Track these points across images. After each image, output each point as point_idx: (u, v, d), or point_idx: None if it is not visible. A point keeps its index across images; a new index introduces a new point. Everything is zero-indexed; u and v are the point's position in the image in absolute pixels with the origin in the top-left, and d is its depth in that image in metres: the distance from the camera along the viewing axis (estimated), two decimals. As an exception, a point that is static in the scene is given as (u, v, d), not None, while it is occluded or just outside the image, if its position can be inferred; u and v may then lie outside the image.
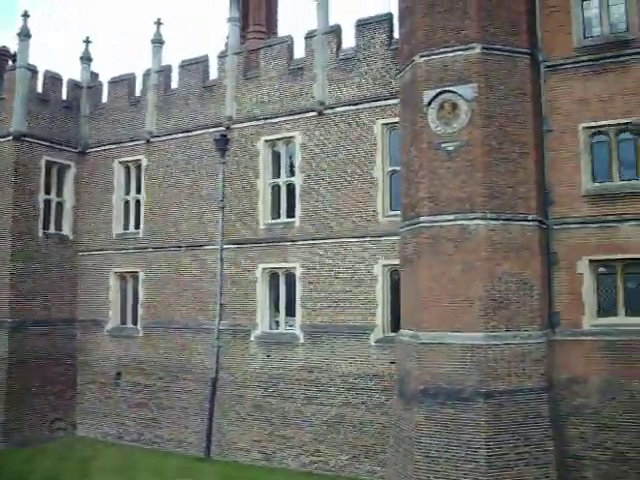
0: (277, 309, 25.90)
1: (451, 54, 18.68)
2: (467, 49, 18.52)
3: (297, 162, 25.31)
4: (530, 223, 18.48)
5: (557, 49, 19.66)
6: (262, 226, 25.91)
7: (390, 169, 23.18)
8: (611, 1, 19.54)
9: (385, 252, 22.81)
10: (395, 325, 21.92)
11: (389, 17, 23.67)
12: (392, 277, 22.86)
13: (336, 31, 24.97)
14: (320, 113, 24.69)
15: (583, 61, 19.34)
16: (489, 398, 17.46)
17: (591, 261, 18.93)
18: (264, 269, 25.74)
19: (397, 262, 21.28)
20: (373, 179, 23.38)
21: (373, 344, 22.86)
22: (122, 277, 30.25)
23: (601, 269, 19.12)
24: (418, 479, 17.56)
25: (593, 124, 19.13)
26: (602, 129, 19.11)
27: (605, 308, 18.95)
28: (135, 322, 29.50)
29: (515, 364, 17.81)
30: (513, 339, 17.88)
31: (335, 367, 23.55)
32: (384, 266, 22.90)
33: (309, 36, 25.42)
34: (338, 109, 24.38)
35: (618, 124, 18.85)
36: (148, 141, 29.56)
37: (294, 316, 24.97)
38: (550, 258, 19.19)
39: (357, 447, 22.79)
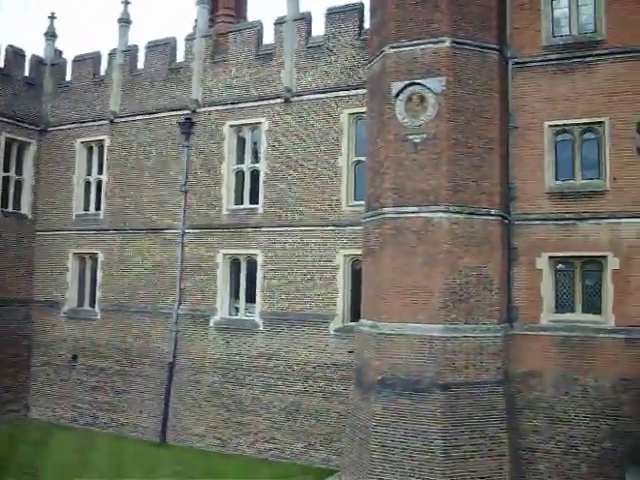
0: (237, 295, 25.81)
1: (421, 47, 18.72)
2: (437, 42, 18.58)
3: (262, 148, 25.19)
4: (493, 218, 18.65)
5: (526, 46, 19.83)
6: (225, 212, 25.75)
7: (355, 159, 23.21)
8: (580, 1, 19.76)
9: (347, 242, 22.86)
10: (355, 315, 22.00)
11: (360, 7, 23.63)
12: (353, 267, 22.93)
13: (306, 18, 24.86)
14: (287, 100, 24.58)
15: (551, 60, 19.53)
16: (446, 390, 17.62)
17: (551, 257, 19.19)
18: (225, 255, 25.62)
19: (359, 252, 21.33)
20: (338, 168, 23.38)
21: (332, 333, 22.91)
22: (81, 258, 29.87)
23: (560, 266, 19.39)
24: (373, 468, 17.67)
25: (558, 123, 19.36)
26: (567, 128, 19.34)
27: (563, 304, 19.23)
28: (93, 304, 29.18)
29: (473, 357, 17.99)
30: (472, 332, 18.05)
31: (294, 355, 23.57)
32: (346, 256, 22.96)
33: (279, 22, 25.27)
34: (305, 97, 24.30)
35: (583, 124, 19.11)
36: (112, 121, 29.18)
37: (254, 303, 24.92)
38: (511, 253, 19.40)
39: (313, 435, 22.87)
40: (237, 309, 25.82)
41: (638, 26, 18.75)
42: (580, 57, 19.30)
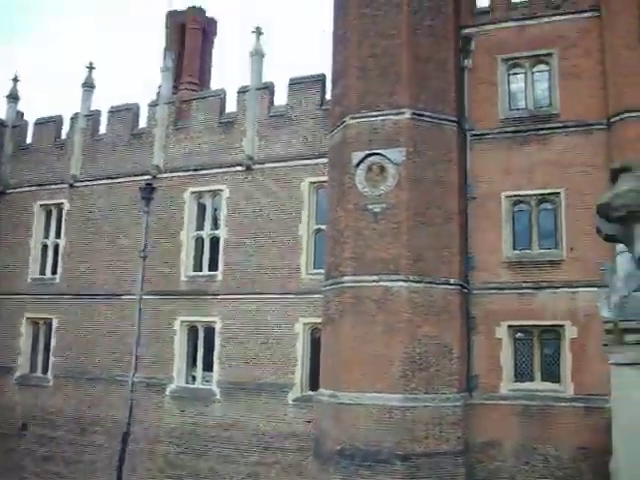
0: (194, 364, 25.36)
1: (382, 118, 19.08)
2: (398, 114, 18.96)
3: (223, 215, 25.15)
4: (452, 287, 18.78)
5: (483, 119, 20.34)
6: (184, 278, 25.49)
7: (315, 227, 23.27)
8: (536, 77, 20.43)
9: (307, 310, 22.71)
10: (314, 384, 21.71)
11: (322, 78, 24.04)
12: (313, 335, 22.74)
13: (269, 88, 25.20)
14: (249, 168, 24.69)
15: (508, 132, 20.05)
16: (406, 460, 17.40)
17: (509, 326, 19.31)
18: (183, 322, 25.24)
19: (319, 320, 21.20)
20: (298, 236, 23.39)
21: (291, 402, 22.55)
22: (35, 323, 29.18)
23: (519, 334, 19.51)
24: (332, 543, 17.24)
25: (515, 193, 19.75)
26: (524, 198, 19.72)
27: (522, 373, 19.28)
28: (45, 371, 28.38)
29: (433, 427, 17.84)
30: (431, 401, 17.95)
31: (251, 425, 23.09)
32: (305, 324, 22.78)
33: (242, 91, 25.56)
34: (267, 165, 24.44)
35: (539, 194, 19.50)
36: (72, 185, 28.94)
37: (212, 371, 24.48)
38: (470, 322, 19.48)
39: (270, 508, 22.27)
40: (194, 377, 25.33)
41: (589, 100, 19.42)
42: (535, 130, 19.88)
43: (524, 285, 19.23)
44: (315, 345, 22.08)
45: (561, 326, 18.84)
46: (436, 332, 18.36)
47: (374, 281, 18.32)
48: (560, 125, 19.68)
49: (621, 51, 18.86)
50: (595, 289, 18.35)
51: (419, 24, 19.82)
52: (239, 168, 24.92)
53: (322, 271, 21.12)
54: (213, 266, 25.13)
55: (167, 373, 25.15)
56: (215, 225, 25.72)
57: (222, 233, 25.02)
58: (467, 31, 21.05)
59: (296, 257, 23.31)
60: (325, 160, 22.04)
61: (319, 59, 39.60)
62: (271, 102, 25.09)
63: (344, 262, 18.84)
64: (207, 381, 24.72)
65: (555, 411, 18.36)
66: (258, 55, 25.70)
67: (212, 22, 32.69)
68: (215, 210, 25.88)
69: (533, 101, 20.38)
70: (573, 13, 20.40)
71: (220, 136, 25.72)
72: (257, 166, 24.59)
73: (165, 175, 26.62)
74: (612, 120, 18.83)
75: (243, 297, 24.00)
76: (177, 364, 25.11)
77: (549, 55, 20.35)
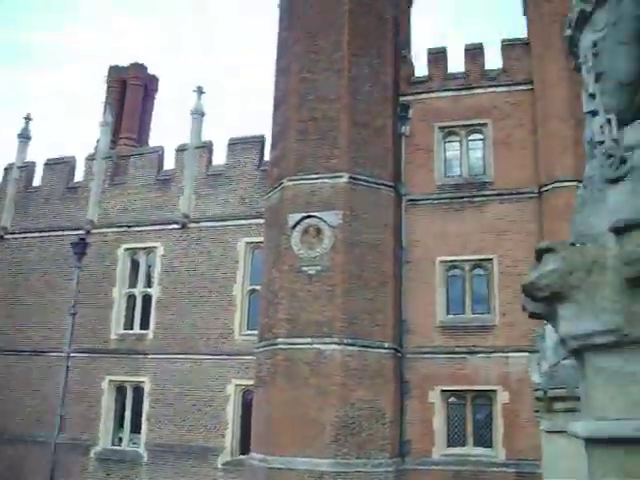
0: (122, 424, 24.56)
1: (319, 181, 19.21)
2: (335, 177, 19.13)
3: (156, 273, 24.76)
4: (386, 351, 18.73)
5: (420, 185, 20.67)
6: (113, 336, 24.86)
7: (250, 288, 23.08)
8: (471, 145, 20.94)
9: (239, 371, 22.35)
10: (245, 448, 21.22)
11: (261, 139, 24.19)
12: (244, 398, 22.35)
13: (208, 147, 25.22)
14: (184, 226, 24.47)
15: (443, 198, 20.38)
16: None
17: (442, 391, 19.30)
18: (111, 381, 24.53)
19: (251, 383, 20.84)
20: (232, 297, 23.14)
21: (220, 467, 21.98)
22: (-45, 381, 27.96)
23: (452, 399, 19.50)
24: None
25: (450, 258, 19.99)
26: (458, 264, 19.96)
27: (454, 438, 19.21)
28: (-39, 432, 27.09)
29: (364, 493, 17.56)
30: (363, 467, 17.70)
31: (179, 490, 22.38)
32: (237, 385, 22.39)
33: (181, 149, 25.50)
34: (203, 224, 24.27)
35: (473, 260, 19.76)
36: (1, 237, 28.18)
37: (139, 433, 23.74)
38: (403, 386, 19.40)
39: None
40: (121, 439, 24.51)
41: (522, 170, 19.94)
42: (470, 197, 20.25)
43: (457, 350, 19.31)
44: (247, 408, 21.67)
45: (493, 391, 18.91)
46: (369, 396, 18.21)
47: (308, 344, 18.16)
48: (494, 193, 20.11)
49: (553, 123, 19.48)
50: (526, 354, 18.56)
51: (359, 90, 20.19)
52: (175, 226, 24.68)
53: (256, 332, 20.86)
54: (144, 324, 24.62)
55: (93, 434, 24.28)
56: (148, 283, 25.28)
57: (155, 291, 24.59)
58: (405, 99, 21.52)
59: (230, 317, 23.02)
60: (262, 221, 22.01)
61: (260, 120, 39.75)
62: (209, 161, 25.08)
63: (278, 324, 18.66)
64: (134, 443, 23.95)
65: (487, 476, 18.29)
66: (198, 114, 25.78)
67: (154, 79, 32.72)
68: (149, 267, 25.46)
69: (468, 169, 20.84)
70: (508, 85, 21.11)
71: (157, 193, 25.50)
72: (193, 224, 24.41)
73: (99, 230, 26.18)
74: (543, 189, 19.32)
75: (174, 357, 23.50)
76: (103, 425, 24.30)
77: (484, 125, 20.93)
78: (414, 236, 20.32)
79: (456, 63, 22.01)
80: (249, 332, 22.39)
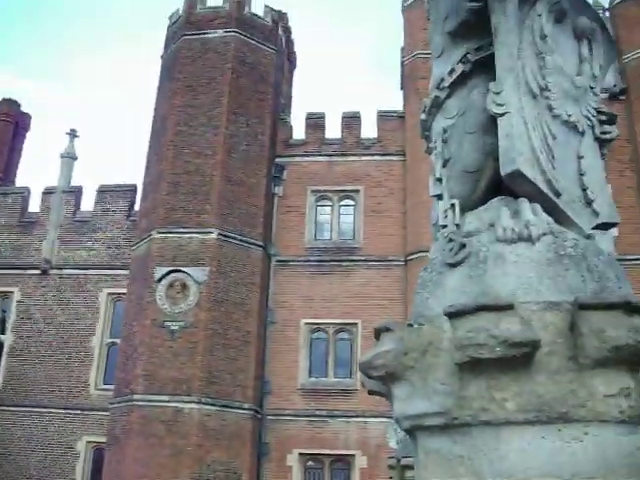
0: (-42, 481, 22.87)
1: (188, 235, 19.00)
2: (204, 233, 18.98)
3: (11, 319, 23.47)
4: (245, 412, 18.46)
5: (289, 246, 20.80)
6: (-42, 385, 23.26)
7: (109, 341, 22.26)
8: (342, 210, 21.33)
9: (92, 428, 21.32)
10: (93, 509, 20.21)
11: (133, 188, 23.72)
12: (96, 455, 21.27)
13: (76, 192, 24.46)
14: (45, 272, 23.42)
15: (311, 261, 20.57)
16: None
17: (301, 454, 19.13)
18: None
19: (104, 440, 19.93)
20: (90, 349, 22.22)
21: (66, 529, 20.77)
22: None
23: (310, 463, 19.34)
24: None
25: (314, 321, 20.08)
26: (322, 327, 20.07)
27: (312, 502, 19.02)
28: None
29: None
30: (217, 530, 17.17)
31: None
32: (88, 443, 21.32)
33: (48, 192, 24.60)
34: (65, 271, 23.31)
35: (338, 324, 19.94)
36: None
37: (-24, 491, 22.14)
38: (262, 448, 19.12)
39: None
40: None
41: (390, 237, 20.46)
42: (339, 261, 20.55)
43: (317, 413, 19.27)
44: (97, 466, 20.64)
45: (352, 455, 18.90)
46: (226, 457, 17.82)
47: (165, 401, 17.65)
48: (362, 259, 20.50)
49: (421, 194, 20.09)
50: (385, 420, 18.77)
51: (234, 148, 20.28)
52: (35, 271, 23.58)
53: (112, 387, 20.07)
54: (-7, 373, 23.18)
55: None
56: (2, 329, 23.93)
57: (7, 338, 23.28)
58: (281, 160, 21.78)
59: (86, 371, 22.06)
60: (127, 272, 21.40)
61: (134, 169, 39.18)
62: (77, 206, 24.28)
63: (135, 379, 18.06)
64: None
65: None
66: (69, 157, 25.08)
67: (26, 117, 31.61)
68: (4, 312, 24.13)
69: (338, 233, 21.19)
70: (381, 155, 21.78)
71: (19, 236, 24.38)
72: (54, 271, 23.41)
73: (-49, 273, 24.65)
74: (410, 258, 19.82)
75: (24, 409, 22.17)
76: None
77: (356, 191, 21.42)
78: (281, 297, 20.33)
79: (334, 129, 22.59)
80: (105, 387, 21.48)
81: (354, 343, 19.86)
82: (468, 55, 3.59)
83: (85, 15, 73.10)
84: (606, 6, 22.84)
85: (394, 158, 21.66)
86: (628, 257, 19.19)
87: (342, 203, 21.58)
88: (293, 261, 20.69)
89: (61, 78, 70.79)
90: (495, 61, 3.38)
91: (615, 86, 21.04)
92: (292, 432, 19.26)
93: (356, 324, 19.91)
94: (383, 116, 22.39)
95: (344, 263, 20.62)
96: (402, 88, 23.52)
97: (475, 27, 3.57)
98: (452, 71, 3.65)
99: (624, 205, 19.69)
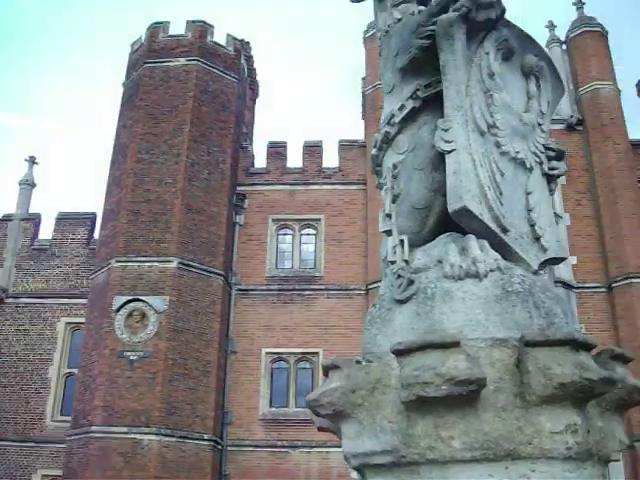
0: None
1: (148, 264, 18.82)
2: (164, 262, 18.82)
3: (-35, 349, 22.98)
4: (206, 443, 18.19)
5: (250, 275, 20.71)
6: None
7: (67, 371, 21.85)
8: (303, 239, 21.35)
9: (48, 461, 20.80)
10: None
11: (92, 217, 23.45)
12: (52, 489, 20.83)
13: (35, 219, 24.10)
14: (1, 301, 22.97)
15: (272, 290, 20.50)
16: None
17: (262, 485, 18.88)
18: None
19: (60, 473, 19.47)
20: (47, 379, 21.76)
21: None
22: None
23: (271, 494, 19.09)
24: None
25: (275, 350, 19.98)
26: (284, 356, 19.96)
27: (271, 536, 18.74)
28: None
29: None
30: None
31: None
32: (44, 476, 20.79)
33: (5, 219, 24.19)
34: (22, 300, 22.87)
35: (299, 353, 19.86)
36: None
37: None
38: (223, 480, 18.85)
39: None
40: None
41: (351, 266, 20.50)
42: (300, 290, 20.51)
43: (279, 443, 19.09)
44: (53, 501, 20.19)
45: (313, 486, 18.74)
46: (186, 490, 17.50)
47: (124, 433, 17.31)
48: (323, 287, 20.49)
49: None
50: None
51: (195, 176, 20.22)
52: (-9, 300, 23.16)
53: (69, 418, 19.66)
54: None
55: None
56: (-44, 359, 23.38)
57: (-39, 369, 22.75)
58: (242, 189, 21.77)
59: (42, 402, 21.59)
60: (85, 301, 21.09)
61: (95, 196, 38.83)
62: (35, 234, 23.91)
63: (93, 410, 17.73)
64: None
65: None
66: (28, 185, 24.75)
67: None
68: (-42, 342, 23.61)
69: (299, 262, 21.17)
70: (342, 184, 21.88)
71: (-26, 264, 23.94)
72: (11, 300, 22.95)
73: None
74: (371, 287, 19.84)
75: (-24, 442, 21.64)
76: None
77: (317, 220, 21.45)
78: (241, 326, 20.19)
79: (295, 157, 22.66)
80: (62, 418, 21.03)
81: (315, 372, 19.75)
82: (418, 92, 3.64)
83: (45, 39, 72.66)
84: (562, 39, 23.39)
85: (355, 187, 21.77)
86: (587, 285, 19.50)
87: (303, 232, 21.60)
88: (254, 290, 20.60)
89: (19, 104, 69.97)
90: (443, 98, 3.43)
91: (572, 117, 21.49)
92: (253, 463, 19.02)
93: (317, 353, 19.83)
94: (344, 145, 22.55)
95: (305, 292, 20.58)
96: (363, 118, 23.72)
97: (425, 64, 3.62)
98: (402, 107, 3.69)
99: (582, 234, 20.06)
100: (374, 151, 3.92)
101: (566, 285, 18.91)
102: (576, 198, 20.68)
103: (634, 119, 32.57)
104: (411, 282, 3.21)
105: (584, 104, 21.64)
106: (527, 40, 3.78)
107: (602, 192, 20.41)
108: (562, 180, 20.11)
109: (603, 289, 19.57)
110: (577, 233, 19.90)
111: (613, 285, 19.31)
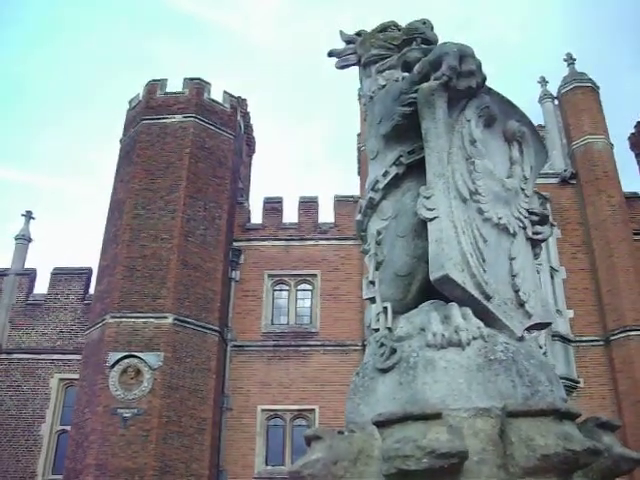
0: None
1: (143, 320, 18.72)
2: (160, 318, 18.72)
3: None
4: (200, 502, 17.85)
5: (246, 331, 20.60)
6: None
7: (60, 428, 21.51)
8: (299, 295, 21.29)
9: (39, 521, 20.42)
10: None
11: (88, 272, 23.40)
12: None
13: (30, 275, 24.05)
14: (-6, 362, 22.79)
15: (268, 346, 20.36)
16: None
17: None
18: None
19: (50, 534, 19.11)
20: (39, 437, 21.41)
21: None
22: None
23: None
24: None
25: (271, 407, 19.74)
26: (279, 413, 19.72)
27: None
28: None
29: None
30: None
31: None
32: (35, 536, 20.43)
33: (1, 274, 24.15)
34: (15, 355, 22.61)
35: (295, 410, 19.63)
36: None
37: None
38: (216, 535, 18.47)
39: None
40: None
41: (348, 322, 20.39)
42: (296, 346, 20.39)
43: (273, 502, 18.74)
44: None
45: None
46: None
47: (117, 492, 16.99)
48: (319, 343, 20.36)
49: (379, 277, 20.19)
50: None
51: (192, 232, 20.26)
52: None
53: (61, 477, 19.31)
54: None
55: None
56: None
57: (-47, 426, 22.42)
58: (238, 244, 21.80)
59: (34, 460, 21.20)
60: (79, 357, 20.92)
61: (90, 252, 38.91)
62: (30, 289, 23.84)
63: (86, 469, 17.41)
64: None
65: None
66: (24, 239, 24.77)
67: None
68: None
69: (295, 318, 21.08)
70: (338, 239, 21.91)
71: (-31, 320, 23.79)
72: (4, 355, 22.73)
73: None
74: (367, 343, 19.66)
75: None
76: None
77: (313, 276, 21.43)
78: (237, 383, 19.99)
79: (291, 213, 22.77)
80: (54, 477, 20.65)
81: (312, 429, 19.51)
82: (401, 158, 3.67)
83: (44, 93, 73.52)
84: (555, 94, 23.71)
85: (351, 242, 21.75)
86: (585, 338, 19.41)
87: (299, 287, 21.55)
88: (249, 346, 20.46)
89: (17, 158, 70.42)
90: (425, 165, 3.45)
91: (566, 170, 21.66)
92: (248, 521, 18.68)
93: (314, 410, 19.61)
94: (340, 201, 22.65)
95: (301, 348, 20.45)
96: (359, 173, 23.86)
97: (408, 130, 3.65)
98: (386, 173, 3.72)
99: (578, 287, 20.05)
100: (359, 217, 3.93)
101: (563, 339, 18.85)
102: (572, 251, 20.71)
103: (627, 172, 32.76)
104: (394, 351, 3.19)
105: (577, 158, 21.84)
106: (509, 106, 3.82)
107: (597, 245, 20.45)
108: (557, 233, 20.21)
109: (601, 342, 19.48)
110: (573, 286, 19.90)
111: (611, 338, 19.22)
